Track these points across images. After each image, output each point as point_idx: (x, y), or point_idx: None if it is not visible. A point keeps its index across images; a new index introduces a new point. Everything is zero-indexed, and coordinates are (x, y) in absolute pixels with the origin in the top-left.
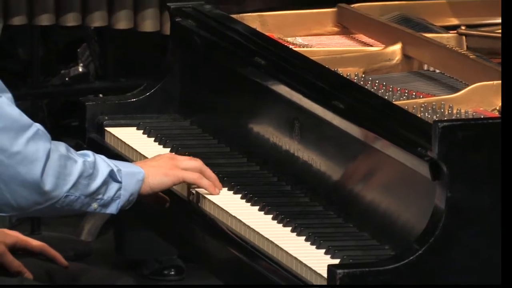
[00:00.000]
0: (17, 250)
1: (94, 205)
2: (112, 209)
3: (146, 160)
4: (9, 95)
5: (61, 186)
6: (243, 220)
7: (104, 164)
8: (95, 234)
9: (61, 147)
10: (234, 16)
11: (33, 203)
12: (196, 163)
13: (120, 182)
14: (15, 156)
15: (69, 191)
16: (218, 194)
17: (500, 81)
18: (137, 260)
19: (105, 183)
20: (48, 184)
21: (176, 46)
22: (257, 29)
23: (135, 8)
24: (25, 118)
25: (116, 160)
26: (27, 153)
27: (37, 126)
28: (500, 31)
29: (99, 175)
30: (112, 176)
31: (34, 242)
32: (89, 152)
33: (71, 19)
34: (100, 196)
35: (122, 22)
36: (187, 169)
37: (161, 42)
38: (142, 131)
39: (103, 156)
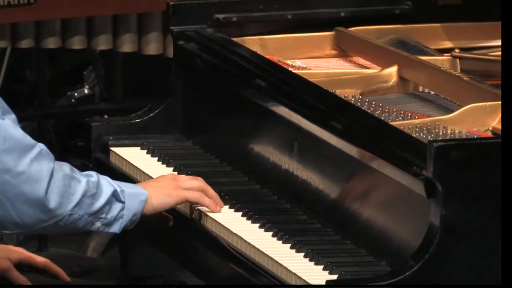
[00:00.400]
0: (22, 266)
1: (98, 224)
2: (115, 228)
3: (149, 181)
4: (13, 116)
5: (65, 204)
6: (244, 237)
7: (107, 185)
8: (100, 251)
9: (65, 167)
10: (235, 39)
11: (38, 221)
12: (198, 182)
13: (123, 202)
14: (20, 175)
15: (73, 210)
16: (219, 212)
17: (493, 102)
18: (141, 276)
19: (108, 203)
20: (52, 202)
21: (179, 68)
22: (258, 52)
23: (139, 31)
24: (28, 139)
25: (120, 181)
26: (31, 172)
27: (40, 146)
28: (493, 54)
29: (103, 194)
30: (115, 196)
31: (38, 259)
32: (93, 173)
33: (77, 42)
34: (103, 216)
35: (127, 45)
36: (189, 188)
37: (165, 64)
38: (146, 151)
39: (107, 177)
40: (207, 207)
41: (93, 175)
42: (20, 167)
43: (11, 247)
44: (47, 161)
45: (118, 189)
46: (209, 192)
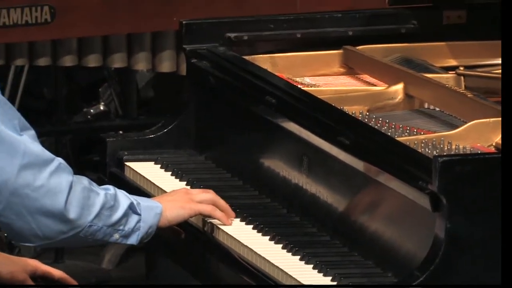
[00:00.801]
0: (37, 278)
1: (116, 236)
2: (133, 240)
3: (163, 196)
4: (32, 132)
5: (85, 215)
6: (254, 249)
7: (124, 197)
8: (115, 262)
9: (84, 180)
10: (246, 57)
11: (58, 233)
12: (209, 195)
13: (139, 215)
14: (39, 189)
15: (92, 221)
16: (231, 224)
17: (496, 119)
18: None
19: (125, 215)
20: (72, 213)
21: (192, 85)
22: (268, 70)
23: (153, 50)
24: (47, 154)
25: (135, 195)
26: (51, 186)
27: (59, 160)
28: (496, 71)
29: (120, 207)
30: (132, 209)
31: (54, 271)
32: (110, 186)
33: (92, 60)
34: (121, 227)
35: (141, 63)
36: (202, 201)
37: (178, 82)
38: (159, 165)
39: (123, 191)
40: (219, 219)
41: (111, 189)
42: (40, 181)
43: (27, 259)
44: (66, 174)
45: (135, 202)
46: (221, 204)
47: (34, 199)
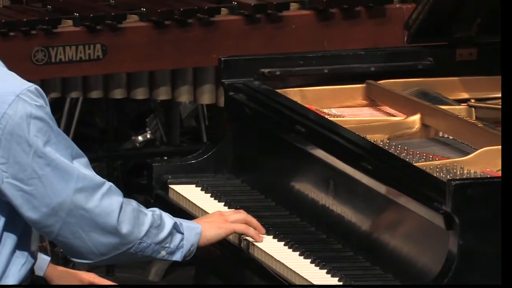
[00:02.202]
0: None
1: (163, 253)
2: (177, 256)
3: (200, 218)
4: (85, 159)
5: (135, 233)
6: (286, 264)
7: (168, 218)
8: (161, 275)
9: (132, 203)
10: (278, 90)
11: (112, 249)
12: (242, 215)
13: (182, 233)
14: (93, 210)
15: (142, 239)
16: (262, 241)
17: None
18: None
19: (170, 234)
20: (124, 229)
21: (229, 116)
22: (298, 102)
23: (195, 83)
24: (98, 178)
25: (176, 218)
26: (103, 206)
27: (109, 183)
28: None
29: (166, 226)
30: (175, 228)
31: (109, 284)
32: (155, 209)
33: (140, 93)
34: (167, 245)
35: (184, 96)
36: (235, 221)
37: (217, 112)
38: (200, 188)
39: (166, 213)
40: (251, 237)
41: (156, 210)
42: (93, 202)
43: (84, 272)
44: (116, 196)
45: (177, 222)
46: (252, 222)
47: (88, 219)
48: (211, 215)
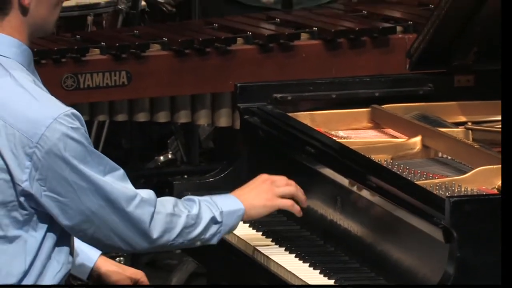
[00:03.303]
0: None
1: (198, 243)
2: (214, 241)
3: (249, 186)
4: (119, 172)
5: (166, 236)
6: (297, 274)
7: (207, 212)
8: (182, 281)
9: (168, 205)
10: (290, 114)
11: (143, 250)
12: (291, 188)
13: (220, 223)
14: (125, 219)
15: (174, 240)
16: (301, 215)
17: (498, 166)
18: None
19: (206, 227)
20: (155, 234)
21: (245, 138)
22: (308, 125)
23: (213, 108)
24: (130, 190)
25: (221, 197)
26: (134, 217)
27: (141, 196)
28: (499, 126)
29: (201, 223)
30: (213, 221)
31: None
32: (196, 201)
33: (162, 117)
34: (202, 237)
35: (202, 119)
36: (283, 195)
37: (233, 134)
38: None
39: (208, 199)
40: (294, 213)
41: (194, 207)
42: (124, 213)
43: (135, 270)
44: (148, 207)
45: (217, 213)
46: (299, 196)
47: (120, 227)
48: (260, 183)
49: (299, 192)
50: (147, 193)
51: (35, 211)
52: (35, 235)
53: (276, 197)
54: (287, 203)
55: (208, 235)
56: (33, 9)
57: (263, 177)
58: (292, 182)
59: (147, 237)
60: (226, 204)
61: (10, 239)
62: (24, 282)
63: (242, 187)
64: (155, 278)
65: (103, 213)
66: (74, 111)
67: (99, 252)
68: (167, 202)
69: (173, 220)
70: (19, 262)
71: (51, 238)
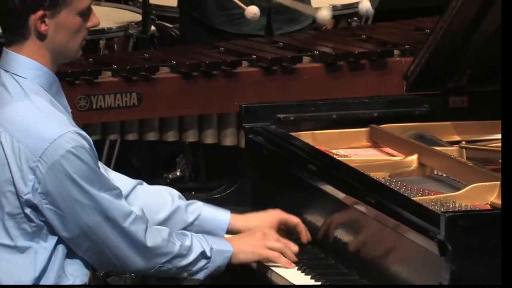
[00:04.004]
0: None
1: (185, 274)
2: (200, 276)
3: (241, 236)
4: (116, 191)
5: (158, 258)
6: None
7: (198, 245)
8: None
9: (164, 232)
10: (292, 133)
11: (135, 270)
12: (280, 245)
13: (209, 258)
14: (119, 235)
15: (164, 264)
16: (291, 267)
17: (491, 183)
18: None
19: (195, 260)
20: (148, 248)
21: (249, 156)
22: (310, 143)
23: (219, 127)
24: (126, 208)
25: (213, 238)
26: (129, 233)
27: (135, 213)
28: (491, 145)
29: (192, 254)
30: (203, 255)
31: (293, 218)
32: (189, 235)
33: (171, 136)
34: (189, 268)
35: (209, 138)
36: (272, 249)
37: (238, 153)
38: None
39: (200, 236)
40: (281, 264)
41: (187, 240)
42: (120, 229)
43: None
44: (141, 224)
45: (207, 248)
46: (287, 254)
47: (114, 242)
48: (252, 235)
49: (287, 250)
50: (139, 210)
51: (44, 223)
52: (45, 246)
53: (265, 247)
54: (274, 254)
55: (195, 268)
56: (51, 35)
57: (257, 231)
58: (284, 241)
59: (141, 251)
60: (217, 243)
61: (21, 250)
62: None
63: (236, 236)
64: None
65: (100, 229)
66: (82, 131)
67: (228, 213)
68: (163, 230)
69: (168, 246)
70: (29, 272)
71: (61, 249)
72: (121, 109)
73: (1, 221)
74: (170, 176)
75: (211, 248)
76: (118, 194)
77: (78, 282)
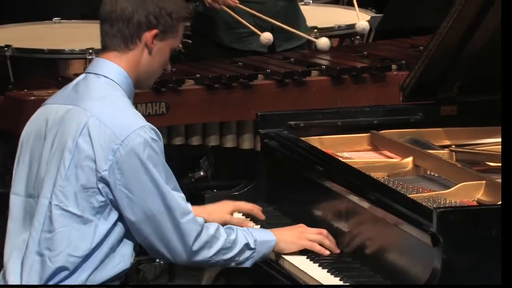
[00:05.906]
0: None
1: (232, 264)
2: (247, 265)
3: (285, 228)
4: (181, 194)
5: (204, 253)
6: (308, 272)
7: (242, 238)
8: (212, 280)
9: (212, 227)
10: (302, 138)
11: (183, 262)
12: (319, 237)
13: (253, 249)
14: (178, 228)
15: (210, 258)
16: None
17: (478, 182)
18: None
19: (240, 252)
20: (194, 247)
21: (264, 158)
22: (318, 147)
23: (238, 133)
24: (188, 207)
25: (259, 230)
26: (186, 228)
27: (193, 213)
28: (478, 148)
29: (236, 247)
30: (247, 246)
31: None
32: (234, 229)
33: (195, 140)
34: (236, 259)
35: (229, 142)
36: (312, 240)
37: (255, 155)
38: (242, 213)
39: (245, 229)
40: (316, 251)
41: (232, 234)
42: (179, 223)
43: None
44: (197, 225)
45: (251, 240)
46: (325, 244)
47: (173, 232)
48: (294, 229)
49: (326, 240)
50: (215, 225)
51: (110, 202)
52: (105, 224)
53: (306, 238)
54: (313, 245)
55: (241, 258)
56: (152, 56)
57: (297, 227)
58: (322, 231)
59: (188, 250)
60: (261, 235)
61: (85, 221)
62: (89, 262)
63: (280, 228)
64: (191, 277)
65: (160, 218)
66: (156, 128)
67: None
68: (211, 225)
69: (213, 241)
70: (87, 242)
71: (118, 230)
72: (151, 117)
73: (74, 191)
74: (194, 175)
75: (255, 240)
76: (183, 197)
77: (124, 262)
